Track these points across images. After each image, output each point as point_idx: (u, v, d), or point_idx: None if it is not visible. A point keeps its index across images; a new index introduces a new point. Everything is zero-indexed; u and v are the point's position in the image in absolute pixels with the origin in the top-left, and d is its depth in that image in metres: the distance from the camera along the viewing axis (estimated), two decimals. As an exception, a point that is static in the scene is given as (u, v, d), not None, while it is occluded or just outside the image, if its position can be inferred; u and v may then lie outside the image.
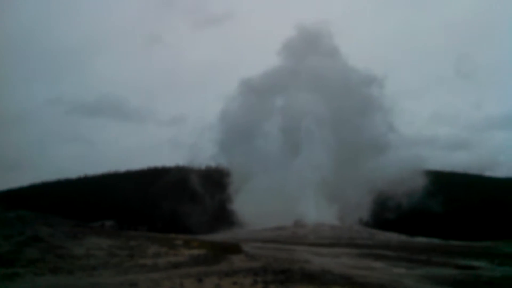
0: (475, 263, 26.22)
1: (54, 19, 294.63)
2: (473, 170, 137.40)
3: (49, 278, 15.86)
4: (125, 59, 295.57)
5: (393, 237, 54.34)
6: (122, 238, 27.86)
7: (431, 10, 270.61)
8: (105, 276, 16.46)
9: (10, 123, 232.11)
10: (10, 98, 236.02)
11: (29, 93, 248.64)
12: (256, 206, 71.69)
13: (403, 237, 54.42)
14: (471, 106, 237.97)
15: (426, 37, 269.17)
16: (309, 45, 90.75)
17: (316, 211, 63.01)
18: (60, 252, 20.68)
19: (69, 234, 25.64)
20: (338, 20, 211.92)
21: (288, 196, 69.37)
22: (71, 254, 20.55)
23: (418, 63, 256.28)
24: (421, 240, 52.80)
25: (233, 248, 26.36)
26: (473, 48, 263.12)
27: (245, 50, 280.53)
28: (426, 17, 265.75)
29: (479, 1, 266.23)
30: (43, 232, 24.38)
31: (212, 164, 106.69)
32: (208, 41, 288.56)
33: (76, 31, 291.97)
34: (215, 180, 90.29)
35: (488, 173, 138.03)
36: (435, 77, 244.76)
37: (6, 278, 15.46)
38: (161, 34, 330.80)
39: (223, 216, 79.12)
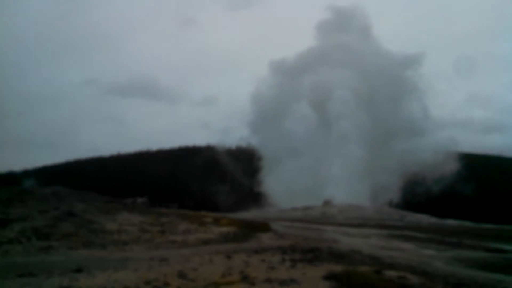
0: (506, 246, 25.77)
1: (91, 1, 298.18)
2: (508, 153, 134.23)
3: (82, 252, 16.32)
4: (159, 41, 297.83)
5: (424, 219, 53.72)
6: (153, 215, 28.36)
7: None
8: (136, 251, 16.83)
9: (47, 102, 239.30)
10: (49, 78, 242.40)
11: (67, 73, 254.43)
12: (286, 186, 71.88)
13: (433, 219, 53.74)
14: (506, 88, 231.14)
15: (461, 18, 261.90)
16: (342, 26, 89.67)
17: (346, 192, 62.72)
18: (93, 227, 21.22)
19: (102, 210, 26.24)
20: (371, 2, 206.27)
21: (318, 177, 69.30)
22: (103, 229, 21.07)
23: (452, 45, 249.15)
24: (452, 222, 52.09)
25: (262, 227, 26.53)
26: (508, 29, 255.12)
27: (278, 32, 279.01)
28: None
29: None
30: (77, 208, 25.02)
31: (243, 144, 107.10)
32: (241, 23, 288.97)
33: (112, 13, 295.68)
34: (246, 160, 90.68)
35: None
36: (469, 59, 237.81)
37: (41, 251, 15.98)
38: (195, 16, 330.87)
39: (253, 196, 79.60)
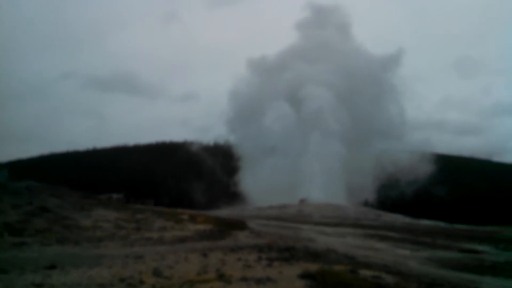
0: (480, 247, 26.26)
1: None
2: (481, 155, 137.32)
3: (56, 248, 16.05)
4: (140, 36, 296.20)
5: (399, 219, 54.39)
6: (129, 211, 28.08)
7: None
8: (111, 247, 16.64)
9: (24, 95, 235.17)
10: (26, 70, 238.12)
11: (44, 66, 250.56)
12: (263, 185, 72.02)
13: (408, 219, 54.44)
14: (481, 91, 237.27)
15: (438, 22, 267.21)
16: (321, 25, 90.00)
17: (322, 191, 63.10)
18: (67, 223, 20.90)
19: (77, 206, 25.86)
20: (352, 4, 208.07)
21: (295, 175, 69.51)
22: (78, 225, 20.77)
23: (428, 48, 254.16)
24: (426, 223, 52.85)
25: (238, 225, 26.51)
26: (484, 34, 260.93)
27: (259, 30, 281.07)
28: (439, 2, 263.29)
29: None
30: (51, 203, 24.61)
31: (221, 141, 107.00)
32: (223, 20, 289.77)
33: (93, 7, 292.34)
34: (223, 157, 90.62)
35: (496, 158, 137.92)
36: (446, 62, 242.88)
37: (14, 247, 15.68)
38: (177, 12, 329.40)
39: (230, 193, 79.57)
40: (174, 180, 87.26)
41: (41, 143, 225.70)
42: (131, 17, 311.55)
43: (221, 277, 10.94)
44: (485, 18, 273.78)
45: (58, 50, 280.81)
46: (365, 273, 12.25)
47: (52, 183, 41.01)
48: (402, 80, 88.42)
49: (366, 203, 72.59)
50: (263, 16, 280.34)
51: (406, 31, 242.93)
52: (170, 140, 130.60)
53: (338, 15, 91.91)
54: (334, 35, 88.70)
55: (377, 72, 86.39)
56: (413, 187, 77.88)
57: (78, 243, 17.02)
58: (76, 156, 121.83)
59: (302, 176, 68.28)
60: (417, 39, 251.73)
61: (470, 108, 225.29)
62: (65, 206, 24.93)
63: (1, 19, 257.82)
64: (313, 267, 12.35)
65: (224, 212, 53.68)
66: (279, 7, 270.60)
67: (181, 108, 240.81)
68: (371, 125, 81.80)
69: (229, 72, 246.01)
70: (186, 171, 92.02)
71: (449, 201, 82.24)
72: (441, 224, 53.29)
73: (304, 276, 11.03)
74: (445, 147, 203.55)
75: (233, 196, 77.59)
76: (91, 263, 12.68)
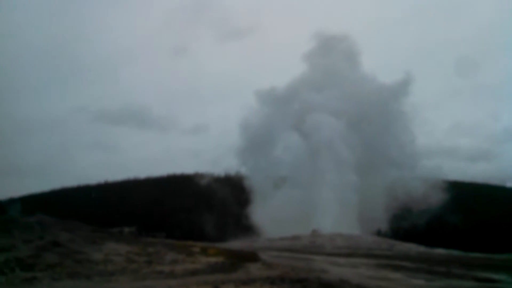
0: (495, 276, 25.76)
1: (84, 30, 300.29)
2: (495, 181, 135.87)
3: (67, 282, 16.01)
4: (150, 70, 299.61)
5: (412, 248, 53.65)
6: (140, 245, 28.00)
7: (452, 22, 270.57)
8: (122, 281, 16.55)
9: (36, 129, 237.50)
10: (37, 105, 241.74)
11: (55, 100, 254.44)
12: (275, 215, 71.65)
13: (422, 248, 53.69)
14: (490, 116, 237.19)
15: (446, 48, 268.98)
16: (330, 54, 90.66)
17: (335, 221, 62.58)
18: (78, 257, 20.86)
19: (88, 240, 25.86)
20: (359, 32, 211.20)
21: (307, 205, 69.16)
22: (89, 259, 20.72)
23: (437, 74, 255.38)
24: (440, 251, 52.05)
25: (250, 256, 26.28)
26: (492, 60, 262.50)
27: (268, 62, 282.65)
28: (446, 28, 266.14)
29: (498, 12, 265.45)
30: (62, 237, 24.64)
31: (231, 173, 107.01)
32: (232, 53, 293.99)
33: (104, 42, 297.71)
34: (234, 189, 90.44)
35: (510, 184, 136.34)
36: (454, 88, 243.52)
37: (25, 282, 15.66)
38: (186, 45, 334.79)
39: (241, 225, 79.14)
40: (185, 212, 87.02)
41: (53, 177, 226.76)
42: (142, 51, 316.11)
43: (233, 310, 10.84)
44: (491, 45, 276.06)
45: (70, 85, 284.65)
46: (379, 304, 12.08)
47: (64, 217, 41.11)
48: (412, 107, 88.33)
49: (379, 233, 71.78)
50: (271, 48, 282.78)
51: (414, 57, 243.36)
52: (181, 172, 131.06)
53: (346, 43, 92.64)
54: (342, 63, 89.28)
55: (387, 99, 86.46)
56: (427, 215, 76.93)
57: (90, 277, 16.96)
58: (87, 189, 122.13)
59: (314, 206, 67.90)
60: (425, 65, 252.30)
61: (481, 134, 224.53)
62: (77, 240, 24.94)
63: (14, 53, 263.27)
64: (326, 299, 12.20)
65: (236, 244, 53.32)
66: (288, 38, 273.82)
67: (192, 141, 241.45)
68: (381, 153, 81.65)
69: (238, 103, 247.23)
70: (197, 203, 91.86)
71: (463, 229, 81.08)
72: (456, 252, 52.47)
73: (317, 308, 10.90)
74: (458, 174, 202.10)
75: (245, 228, 77.14)
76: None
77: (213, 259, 23.98)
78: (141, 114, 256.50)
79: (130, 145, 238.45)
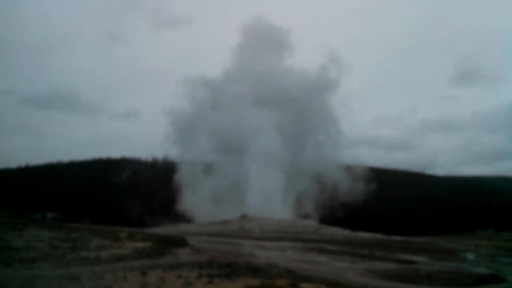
0: (415, 257, 27.14)
1: (17, 12, 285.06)
2: (414, 169, 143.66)
3: (-16, 270, 15.24)
4: (84, 55, 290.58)
5: (338, 232, 55.26)
6: (64, 230, 27.13)
7: (379, 22, 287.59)
8: (45, 268, 15.96)
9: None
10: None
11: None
12: (204, 201, 71.55)
13: (347, 232, 55.43)
14: (409, 110, 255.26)
15: (376, 45, 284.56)
16: (260, 47, 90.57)
17: (264, 206, 63.36)
18: (-3, 243, 19.92)
19: (8, 225, 24.73)
20: (296, 26, 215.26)
21: (237, 191, 69.58)
22: (9, 246, 19.81)
23: (363, 70, 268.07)
24: (364, 235, 54.01)
25: (178, 242, 26.16)
26: (413, 58, 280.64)
27: (202, 52, 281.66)
28: (372, 29, 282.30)
29: (426, 13, 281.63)
30: (-20, 223, 23.43)
31: (160, 158, 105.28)
32: (166, 42, 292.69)
33: (38, 25, 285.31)
34: (163, 174, 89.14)
35: (428, 171, 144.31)
36: (379, 83, 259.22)
37: None
38: (121, 33, 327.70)
39: (170, 210, 78.29)
40: (111, 197, 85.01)
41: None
42: (76, 36, 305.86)
43: (161, 295, 10.74)
44: (414, 44, 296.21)
45: None
46: (306, 286, 12.37)
47: (-19, 203, 39.05)
48: (339, 100, 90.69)
49: (306, 216, 73.33)
50: (206, 38, 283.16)
51: (346, 53, 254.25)
52: (107, 156, 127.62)
53: (277, 36, 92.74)
54: (269, 55, 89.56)
55: (312, 91, 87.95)
56: (351, 200, 79.46)
57: (10, 265, 16.23)
58: (7, 173, 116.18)
59: (244, 192, 68.44)
60: (354, 61, 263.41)
61: (400, 126, 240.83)
62: (-5, 226, 23.79)
63: None
64: (254, 282, 12.35)
65: (164, 229, 52.77)
66: (223, 29, 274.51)
67: (121, 126, 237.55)
68: (307, 143, 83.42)
69: (170, 91, 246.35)
70: (124, 188, 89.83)
71: (385, 213, 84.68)
72: (378, 236, 54.60)
73: (246, 291, 11.00)
74: (380, 162, 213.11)
75: (174, 214, 76.38)
76: (23, 285, 12.12)
77: (140, 245, 23.66)
78: (71, 98, 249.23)
79: (57, 129, 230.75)
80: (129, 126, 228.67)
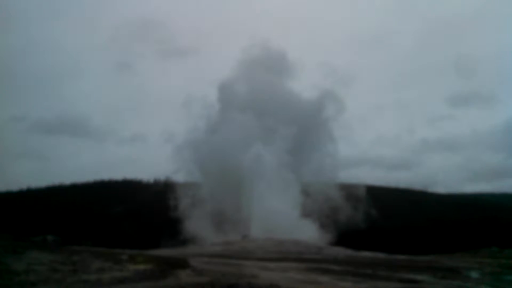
0: (419, 277, 26.88)
1: (30, 42, 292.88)
2: (416, 187, 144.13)
3: (-16, 294, 15.16)
4: (94, 83, 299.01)
5: (340, 251, 54.87)
6: (65, 253, 26.95)
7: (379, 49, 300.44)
8: (45, 292, 15.87)
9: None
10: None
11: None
12: (206, 222, 71.59)
13: (349, 252, 55.08)
14: (406, 130, 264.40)
15: (369, 70, 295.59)
16: (261, 69, 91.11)
17: (265, 226, 63.21)
18: (-3, 267, 19.81)
19: (8, 249, 24.61)
20: (294, 50, 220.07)
21: (239, 212, 69.63)
22: (9, 270, 19.71)
23: (361, 92, 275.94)
24: (366, 254, 53.61)
25: (180, 263, 25.98)
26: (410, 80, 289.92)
27: (208, 79, 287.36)
28: (373, 55, 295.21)
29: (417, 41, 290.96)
30: (-20, 247, 23.33)
31: (161, 179, 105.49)
32: (173, 70, 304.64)
33: (50, 56, 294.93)
34: (164, 195, 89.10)
35: (431, 189, 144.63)
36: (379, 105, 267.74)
37: None
38: (130, 62, 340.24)
39: (171, 232, 78.06)
40: (113, 219, 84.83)
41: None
42: (86, 65, 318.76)
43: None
44: (411, 68, 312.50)
45: (10, 94, 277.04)
46: (308, 307, 12.26)
47: (-18, 226, 38.95)
48: (341, 121, 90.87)
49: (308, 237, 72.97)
50: (210, 66, 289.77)
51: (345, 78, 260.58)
52: (108, 178, 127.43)
53: (277, 59, 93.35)
54: (270, 80, 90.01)
55: (314, 114, 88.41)
56: (353, 220, 79.16)
57: (9, 289, 16.15)
58: (9, 196, 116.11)
59: (246, 213, 68.43)
60: (354, 85, 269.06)
61: (400, 145, 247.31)
62: (-5, 249, 23.67)
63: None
64: (256, 303, 12.25)
65: (166, 251, 52.49)
66: (228, 58, 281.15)
67: (129, 149, 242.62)
68: (307, 163, 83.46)
69: (178, 116, 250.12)
70: (126, 209, 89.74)
71: (388, 232, 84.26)
72: (381, 255, 54.21)
73: (247, 312, 10.91)
74: (382, 181, 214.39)
75: (176, 235, 76.16)
76: (22, 309, 12.03)
77: (141, 267, 23.51)
78: (79, 124, 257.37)
79: (63, 153, 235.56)
80: (134, 149, 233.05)
